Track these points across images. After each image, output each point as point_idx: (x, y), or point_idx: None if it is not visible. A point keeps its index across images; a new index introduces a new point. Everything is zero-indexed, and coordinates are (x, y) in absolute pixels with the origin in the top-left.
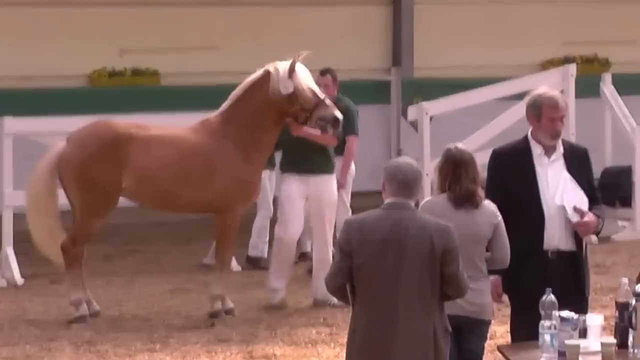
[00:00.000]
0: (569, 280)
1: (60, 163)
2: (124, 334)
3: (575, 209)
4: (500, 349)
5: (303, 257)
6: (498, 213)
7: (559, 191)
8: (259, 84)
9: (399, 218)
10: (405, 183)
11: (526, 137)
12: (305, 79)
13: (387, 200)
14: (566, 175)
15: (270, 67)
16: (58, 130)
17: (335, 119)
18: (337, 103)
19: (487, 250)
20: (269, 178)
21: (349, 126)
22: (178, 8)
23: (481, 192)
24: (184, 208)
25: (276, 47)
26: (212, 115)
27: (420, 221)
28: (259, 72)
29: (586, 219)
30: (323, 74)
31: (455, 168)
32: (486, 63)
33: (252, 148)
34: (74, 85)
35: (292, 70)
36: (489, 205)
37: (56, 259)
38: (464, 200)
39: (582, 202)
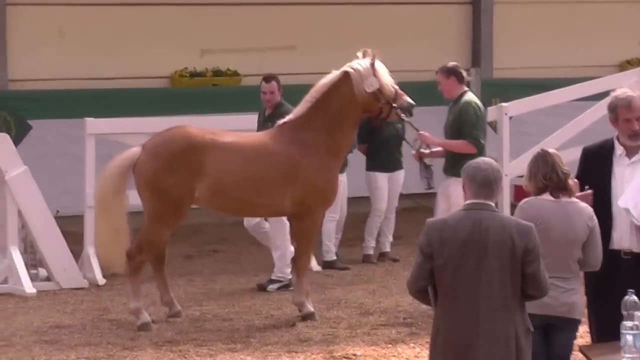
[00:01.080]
0: (638, 282)
1: (135, 170)
2: (205, 334)
3: None
4: (581, 349)
5: (383, 256)
6: (594, 216)
7: (624, 194)
8: (337, 86)
9: (479, 218)
10: (486, 183)
11: (613, 137)
12: (384, 73)
13: (467, 201)
14: None
15: (348, 68)
16: (139, 131)
17: (411, 104)
18: (280, 109)
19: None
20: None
21: None
22: (258, 8)
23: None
24: (261, 214)
25: (355, 46)
26: (287, 119)
27: (500, 221)
28: (335, 74)
29: None
30: (268, 81)
31: (545, 158)
32: (564, 63)
33: (330, 153)
34: (155, 85)
35: (374, 67)
36: (585, 208)
37: (116, 260)
38: (562, 185)
39: None
